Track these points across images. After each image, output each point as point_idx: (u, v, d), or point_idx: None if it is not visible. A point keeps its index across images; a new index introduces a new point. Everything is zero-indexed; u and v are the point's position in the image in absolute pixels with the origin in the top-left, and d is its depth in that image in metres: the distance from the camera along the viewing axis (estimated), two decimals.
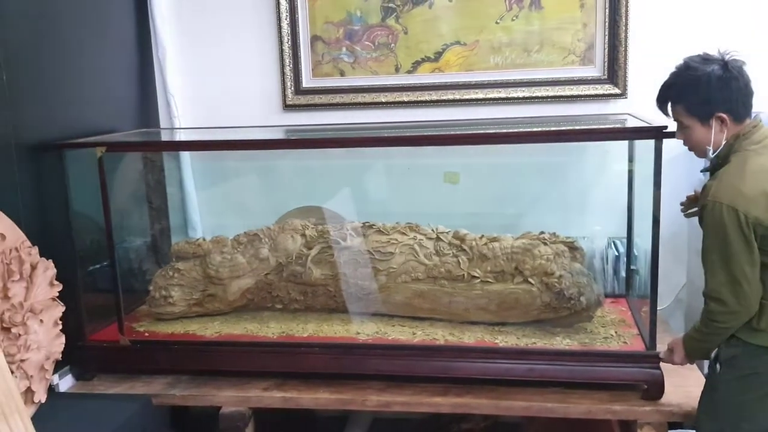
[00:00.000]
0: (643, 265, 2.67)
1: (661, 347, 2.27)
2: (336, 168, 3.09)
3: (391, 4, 3.06)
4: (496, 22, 2.99)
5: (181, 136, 3.17)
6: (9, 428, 1.91)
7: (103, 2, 2.91)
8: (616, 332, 2.50)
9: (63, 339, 2.29)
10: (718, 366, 2.03)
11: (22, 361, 2.11)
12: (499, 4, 2.97)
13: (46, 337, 2.21)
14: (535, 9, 2.96)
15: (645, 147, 2.23)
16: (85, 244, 2.65)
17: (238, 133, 3.02)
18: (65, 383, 2.54)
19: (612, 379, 2.33)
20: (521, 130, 2.73)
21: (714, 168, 2.00)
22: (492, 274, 2.52)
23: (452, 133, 2.86)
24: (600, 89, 2.96)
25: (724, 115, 1.93)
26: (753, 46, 2.38)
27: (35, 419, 2.07)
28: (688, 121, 1.98)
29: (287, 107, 3.19)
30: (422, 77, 3.09)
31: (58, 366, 2.38)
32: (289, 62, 3.14)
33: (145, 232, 3.16)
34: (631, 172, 2.63)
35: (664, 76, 2.04)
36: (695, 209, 2.10)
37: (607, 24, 2.90)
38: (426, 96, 3.08)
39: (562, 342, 2.44)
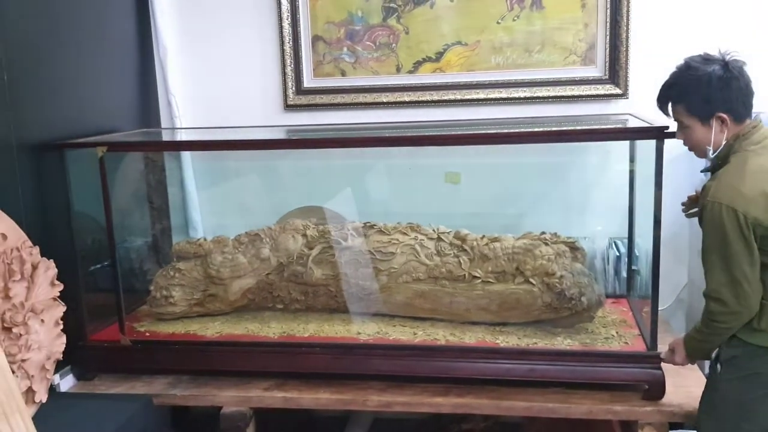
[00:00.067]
0: (644, 265, 2.67)
1: (662, 347, 2.27)
2: (337, 168, 3.09)
3: (392, 4, 3.06)
4: (498, 22, 2.99)
5: (182, 136, 3.17)
6: (10, 428, 1.91)
7: (104, 2, 2.91)
8: (617, 332, 2.50)
9: (64, 339, 2.29)
10: (718, 366, 2.02)
11: (23, 360, 2.12)
12: (501, 4, 2.97)
13: (47, 337, 2.21)
14: (536, 9, 2.96)
15: (646, 147, 2.23)
16: (86, 243, 2.66)
17: (239, 133, 3.02)
18: (66, 383, 2.54)
19: (613, 380, 2.33)
20: (522, 130, 2.73)
21: (714, 168, 2.00)
22: (493, 275, 2.52)
23: (453, 133, 2.86)
24: (601, 89, 2.96)
25: (724, 116, 1.93)
26: (754, 46, 2.38)
27: (36, 419, 2.08)
28: (689, 121, 1.98)
29: (288, 107, 3.19)
30: (423, 77, 3.09)
31: (59, 366, 2.38)
32: (291, 62, 3.15)
33: (146, 232, 3.17)
34: (632, 173, 2.62)
35: (665, 77, 2.03)
36: (696, 209, 2.10)
37: (608, 24, 2.90)
38: (427, 96, 3.08)
39: (563, 342, 2.44)
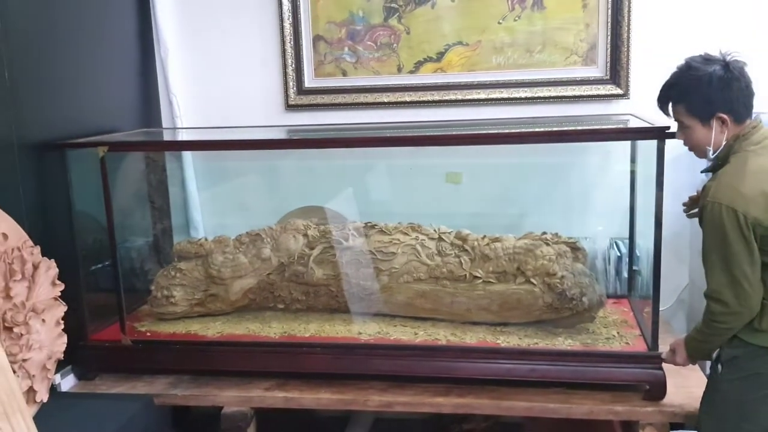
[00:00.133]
0: (645, 265, 2.66)
1: (663, 348, 2.27)
2: (338, 168, 3.09)
3: (393, 4, 3.06)
4: (499, 23, 2.99)
5: (183, 136, 3.17)
6: (11, 427, 1.91)
7: (106, 2, 2.91)
8: (618, 333, 2.50)
9: (65, 338, 2.29)
10: (719, 366, 2.02)
11: (24, 360, 2.12)
12: (502, 4, 2.97)
13: (48, 337, 2.21)
14: (537, 9, 2.96)
15: (647, 147, 2.23)
16: (87, 243, 2.65)
17: (241, 133, 3.02)
18: (67, 383, 2.54)
19: (614, 380, 2.33)
20: (523, 130, 2.73)
21: (714, 168, 2.00)
22: (494, 275, 2.52)
23: (454, 133, 2.86)
24: (602, 90, 2.96)
25: (724, 116, 1.93)
26: (754, 46, 2.37)
27: (37, 419, 2.08)
28: (689, 121, 1.98)
29: (289, 107, 3.20)
30: (424, 77, 3.09)
31: (60, 365, 2.38)
32: (292, 62, 3.15)
33: (147, 232, 3.17)
34: (633, 173, 2.63)
35: (666, 77, 2.03)
36: (698, 209, 2.10)
37: (609, 24, 2.90)
38: (428, 96, 3.08)
39: (564, 342, 2.43)
